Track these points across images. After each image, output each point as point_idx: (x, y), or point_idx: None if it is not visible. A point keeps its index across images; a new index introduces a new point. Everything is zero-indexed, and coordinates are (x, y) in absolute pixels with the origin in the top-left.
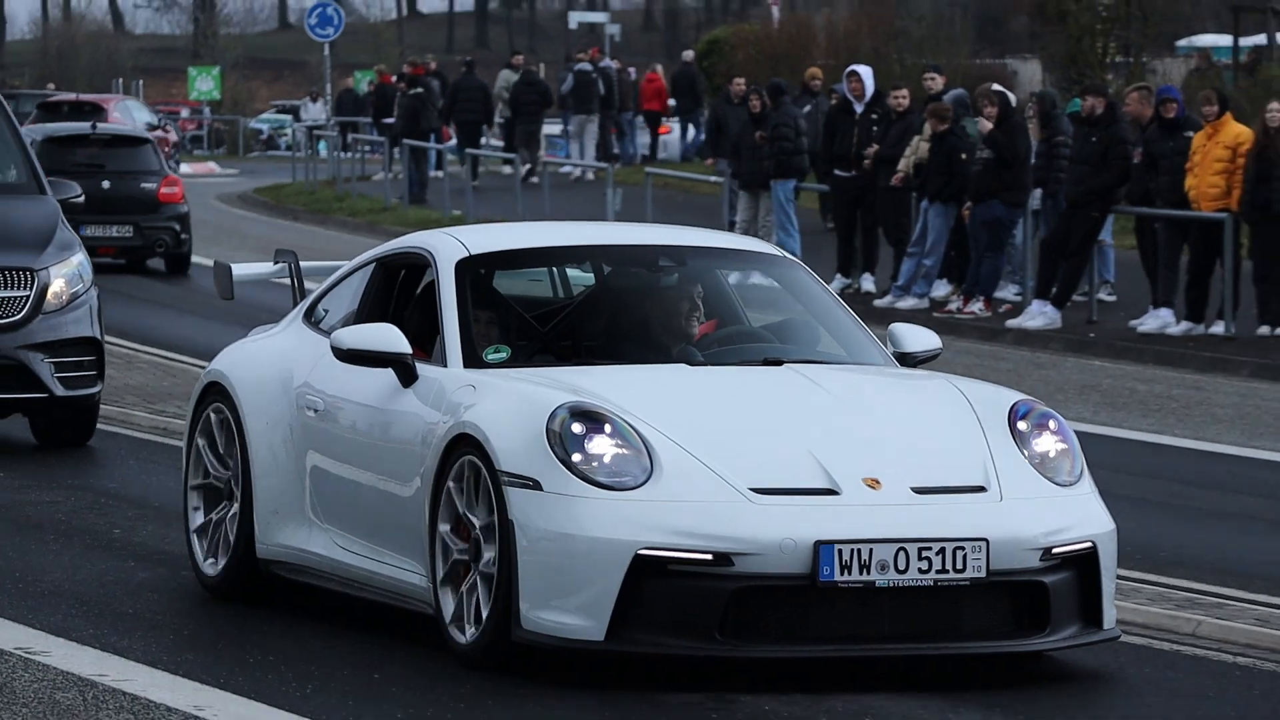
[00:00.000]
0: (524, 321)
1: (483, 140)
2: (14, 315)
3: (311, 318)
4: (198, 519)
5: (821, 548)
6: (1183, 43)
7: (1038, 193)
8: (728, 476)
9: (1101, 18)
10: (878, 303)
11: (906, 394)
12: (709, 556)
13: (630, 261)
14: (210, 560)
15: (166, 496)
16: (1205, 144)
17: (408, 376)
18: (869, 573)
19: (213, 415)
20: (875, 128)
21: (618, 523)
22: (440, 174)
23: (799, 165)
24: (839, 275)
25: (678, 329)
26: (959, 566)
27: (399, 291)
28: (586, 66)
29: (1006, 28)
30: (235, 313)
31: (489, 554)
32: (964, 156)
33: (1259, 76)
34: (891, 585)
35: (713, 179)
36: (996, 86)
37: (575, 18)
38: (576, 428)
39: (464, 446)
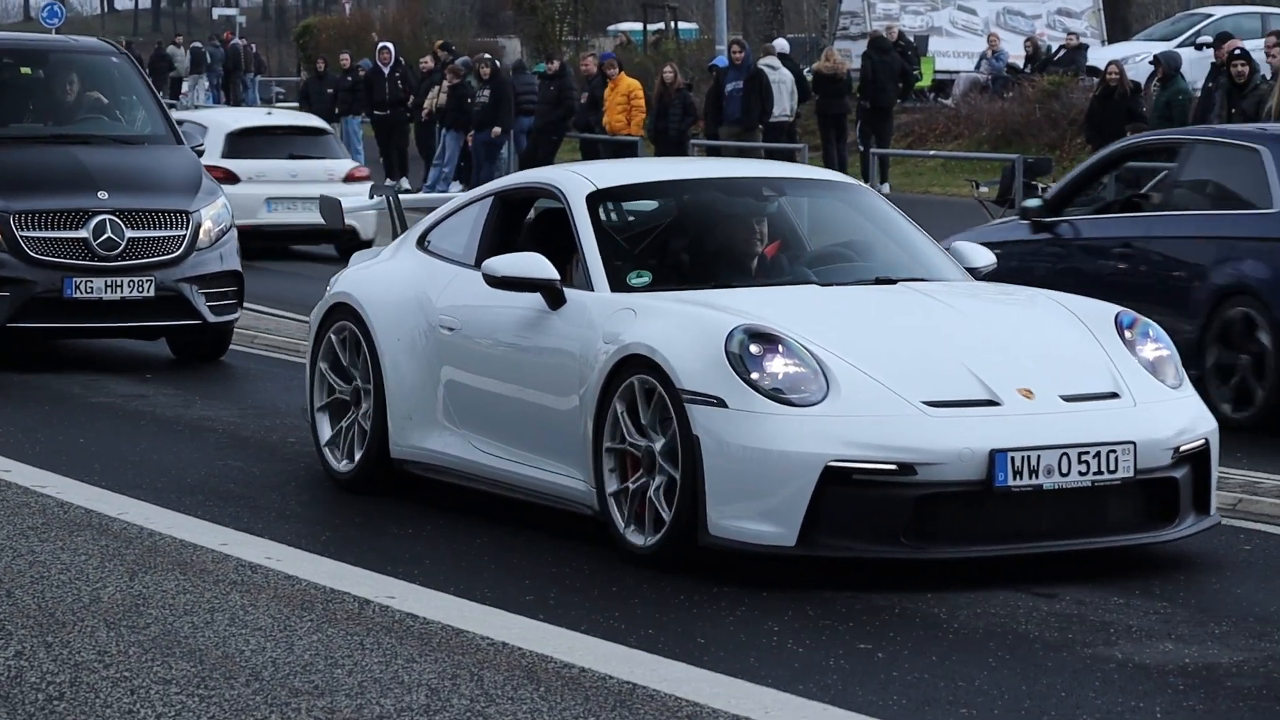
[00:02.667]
0: (620, 247)
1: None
2: (174, 252)
3: (424, 245)
4: (325, 423)
5: (996, 456)
6: (612, 27)
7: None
8: (900, 391)
9: (558, 9)
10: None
11: (1018, 308)
12: (894, 467)
13: (738, 192)
14: (343, 459)
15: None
16: (611, 93)
17: (556, 300)
18: (1037, 477)
19: (342, 331)
20: (409, 82)
21: (805, 437)
22: None
23: (358, 108)
24: (388, 179)
25: (753, 250)
26: (1112, 468)
27: (513, 224)
28: (198, 44)
29: (498, 17)
30: None
31: (666, 466)
32: (470, 100)
33: (661, 49)
34: (1056, 488)
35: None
36: (488, 55)
37: (216, 11)
38: (754, 348)
39: (634, 366)
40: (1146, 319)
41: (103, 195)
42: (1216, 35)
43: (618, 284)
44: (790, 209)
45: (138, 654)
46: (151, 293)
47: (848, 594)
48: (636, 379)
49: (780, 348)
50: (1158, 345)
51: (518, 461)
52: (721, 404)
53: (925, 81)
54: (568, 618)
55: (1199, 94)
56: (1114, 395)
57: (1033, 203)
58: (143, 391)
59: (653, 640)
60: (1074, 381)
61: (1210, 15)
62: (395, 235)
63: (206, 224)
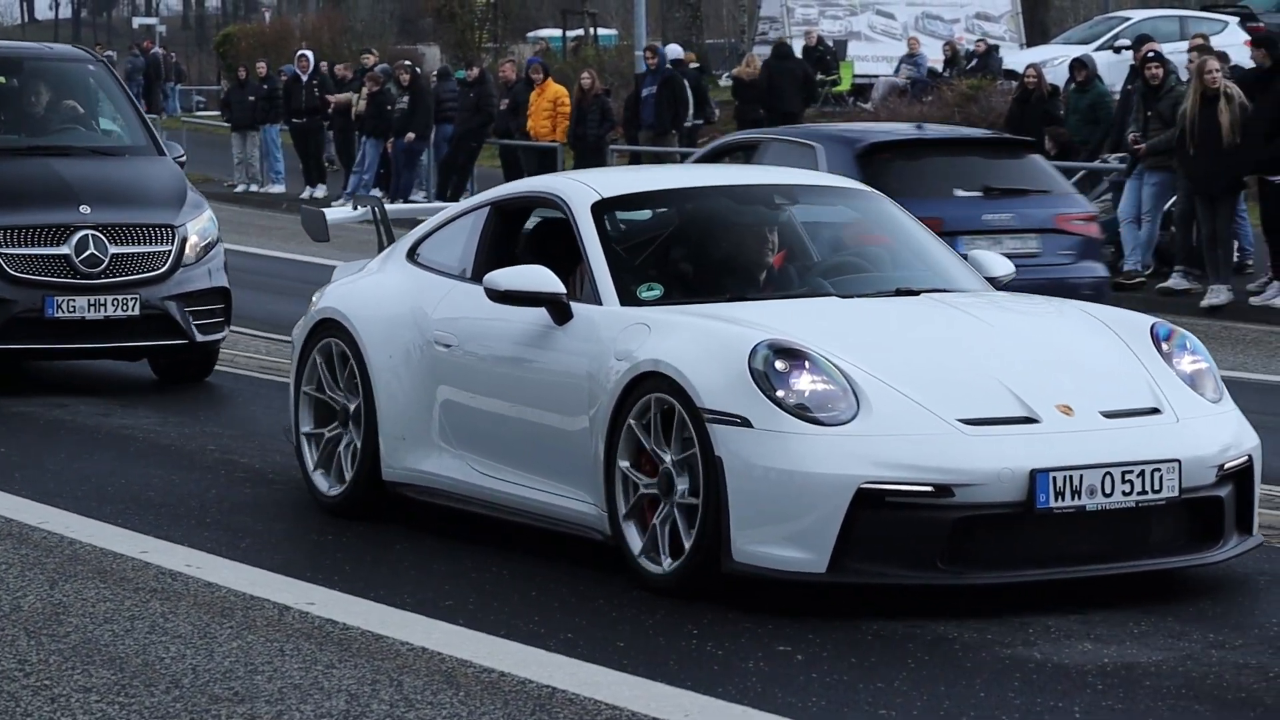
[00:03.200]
0: (628, 259)
1: None
2: (160, 269)
3: (415, 258)
4: (311, 445)
5: (1037, 476)
6: (531, 34)
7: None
8: (934, 409)
9: (477, 17)
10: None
11: (1048, 319)
12: (930, 488)
13: (749, 200)
14: (330, 483)
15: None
16: (538, 99)
17: (562, 315)
18: (1080, 498)
19: (330, 348)
20: (327, 89)
21: (836, 458)
22: None
23: (276, 116)
24: (308, 186)
25: (766, 260)
26: (1156, 487)
27: (511, 234)
28: (110, 54)
29: (417, 24)
30: None
31: (685, 488)
32: (390, 107)
33: (580, 56)
34: (1099, 509)
35: (225, 124)
36: (407, 62)
37: (137, 20)
38: (779, 365)
39: (650, 384)
40: (1183, 330)
41: (84, 210)
42: (1136, 38)
43: (627, 298)
44: (801, 217)
45: (58, 662)
46: (136, 311)
47: (766, 596)
48: (653, 398)
49: (806, 364)
50: (1195, 358)
51: (522, 484)
52: (746, 423)
53: (844, 86)
54: (487, 622)
55: (1119, 97)
56: (1155, 411)
57: None
58: (62, 400)
59: (572, 644)
60: (1113, 397)
61: (1128, 19)
62: (381, 248)
63: (192, 239)
